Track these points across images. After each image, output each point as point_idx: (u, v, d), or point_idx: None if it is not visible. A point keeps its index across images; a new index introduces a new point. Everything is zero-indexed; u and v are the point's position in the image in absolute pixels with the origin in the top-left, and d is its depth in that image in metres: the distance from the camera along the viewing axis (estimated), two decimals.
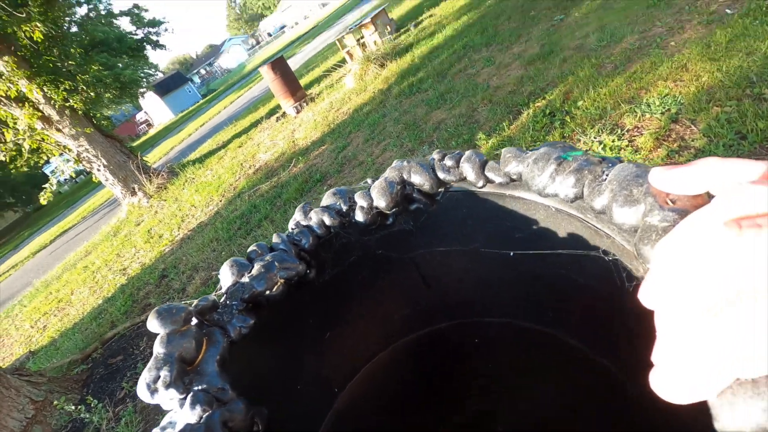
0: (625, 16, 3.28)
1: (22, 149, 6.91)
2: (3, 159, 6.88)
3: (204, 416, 0.36)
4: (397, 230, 0.61)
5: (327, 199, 0.59)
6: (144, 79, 24.58)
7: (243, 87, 19.55)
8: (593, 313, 0.52)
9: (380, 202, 0.55)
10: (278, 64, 6.61)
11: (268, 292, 0.50)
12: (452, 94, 3.79)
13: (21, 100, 6.50)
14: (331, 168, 3.91)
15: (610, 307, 0.47)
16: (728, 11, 2.54)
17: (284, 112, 7.13)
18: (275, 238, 0.54)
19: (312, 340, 0.63)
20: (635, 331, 0.44)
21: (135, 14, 21.11)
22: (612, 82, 2.58)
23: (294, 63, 13.85)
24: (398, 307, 0.71)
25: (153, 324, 0.40)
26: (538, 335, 0.64)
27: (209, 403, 0.37)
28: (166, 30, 22.38)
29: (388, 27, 7.72)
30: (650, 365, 0.21)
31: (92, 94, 7.22)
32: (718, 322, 0.18)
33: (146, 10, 20.25)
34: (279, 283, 0.51)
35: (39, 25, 5.78)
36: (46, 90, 6.29)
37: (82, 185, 22.91)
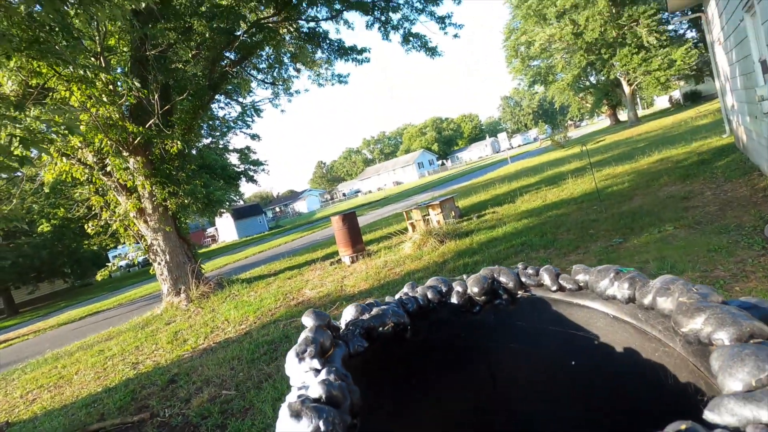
0: (685, 253, 3.43)
1: (109, 229, 7.74)
2: (89, 232, 7.69)
3: (336, 383, 0.48)
4: (480, 319, 0.75)
5: (431, 282, 0.77)
6: (228, 203, 27.82)
7: (308, 230, 21.29)
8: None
9: (473, 289, 0.72)
10: (349, 217, 7.35)
11: (380, 329, 0.67)
12: None
13: (131, 190, 7.61)
14: None
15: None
16: None
17: (340, 259, 7.56)
18: (388, 298, 0.70)
19: (394, 381, 0.76)
20: None
21: (244, 153, 25.27)
22: None
23: (360, 221, 15.18)
24: (462, 400, 0.80)
25: (308, 318, 0.61)
26: None
27: (340, 377, 0.50)
28: (263, 170, 26.20)
29: (453, 212, 8.53)
30: None
31: (186, 201, 8.29)
32: None
33: (255, 153, 24.20)
34: (389, 326, 0.68)
35: (178, 143, 7.14)
36: (154, 188, 7.35)
37: (133, 275, 24.14)
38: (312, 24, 9.41)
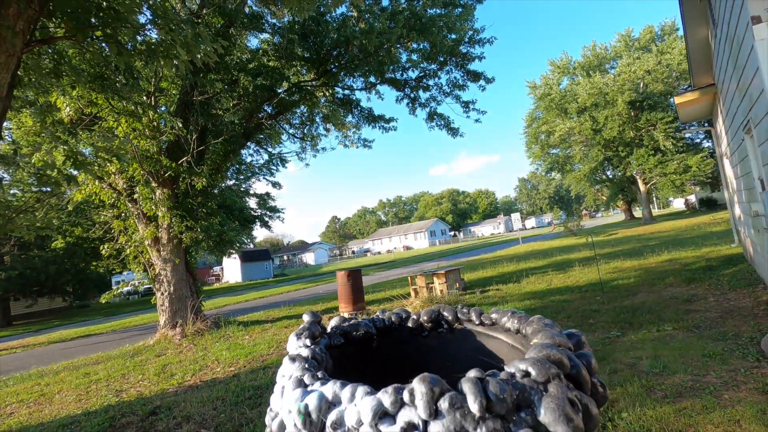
0: (680, 354, 3.43)
1: (122, 254, 7.98)
2: (103, 254, 7.93)
3: (317, 349, 1.00)
4: (427, 342, 1.19)
5: (396, 310, 1.30)
6: (239, 245, 28.16)
7: (312, 282, 21.24)
8: None
9: (423, 317, 1.26)
10: (354, 273, 7.45)
11: (354, 333, 1.13)
12: None
13: (151, 219, 7.94)
14: None
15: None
16: None
17: (339, 314, 7.55)
18: (364, 316, 1.05)
19: (362, 367, 1.24)
20: None
21: (264, 199, 26.01)
22: (660, 409, 2.56)
23: (365, 280, 15.17)
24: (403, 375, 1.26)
25: (307, 316, 1.06)
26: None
27: (321, 352, 0.97)
28: (279, 217, 26.76)
29: (457, 284, 8.56)
30: None
31: (200, 237, 8.56)
32: None
33: (274, 200, 24.87)
34: (360, 332, 1.12)
35: (204, 180, 7.56)
36: (174, 220, 7.66)
37: (132, 303, 24.02)
38: (347, 91, 10.20)
